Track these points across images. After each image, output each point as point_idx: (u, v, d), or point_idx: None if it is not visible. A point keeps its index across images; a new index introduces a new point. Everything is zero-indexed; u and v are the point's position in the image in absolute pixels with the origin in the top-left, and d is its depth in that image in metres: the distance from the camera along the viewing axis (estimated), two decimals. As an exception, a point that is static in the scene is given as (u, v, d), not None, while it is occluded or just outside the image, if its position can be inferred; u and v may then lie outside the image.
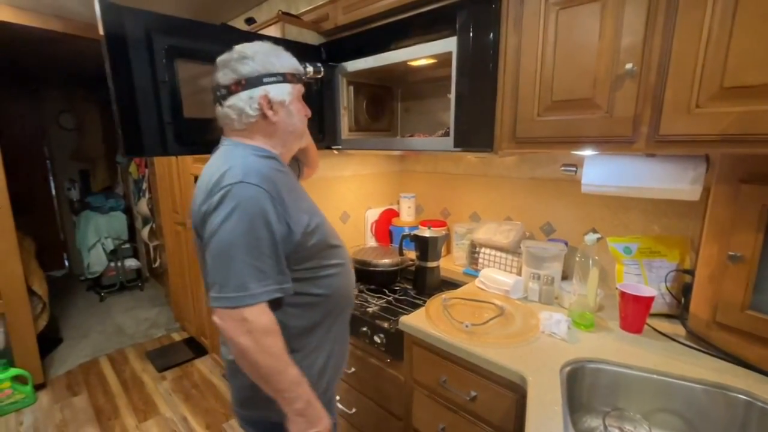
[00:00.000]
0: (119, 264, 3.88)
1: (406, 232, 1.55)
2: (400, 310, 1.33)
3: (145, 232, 3.61)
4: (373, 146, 1.56)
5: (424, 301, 1.31)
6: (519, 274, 1.38)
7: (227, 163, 0.80)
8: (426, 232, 1.43)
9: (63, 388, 2.42)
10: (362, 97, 1.62)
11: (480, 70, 1.09)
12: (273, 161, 0.86)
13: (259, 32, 1.46)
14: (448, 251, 1.76)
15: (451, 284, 1.51)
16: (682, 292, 1.12)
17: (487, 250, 1.50)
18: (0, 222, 2.15)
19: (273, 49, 0.88)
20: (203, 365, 2.63)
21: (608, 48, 0.88)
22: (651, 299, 1.05)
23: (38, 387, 2.36)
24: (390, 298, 1.44)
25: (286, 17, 1.40)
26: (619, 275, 1.19)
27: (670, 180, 1.00)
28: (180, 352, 2.78)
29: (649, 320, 1.08)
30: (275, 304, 0.79)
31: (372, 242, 1.90)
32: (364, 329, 1.31)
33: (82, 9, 2.10)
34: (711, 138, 0.79)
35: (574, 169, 1.21)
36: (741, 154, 0.88)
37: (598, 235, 1.09)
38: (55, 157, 4.31)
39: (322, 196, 1.64)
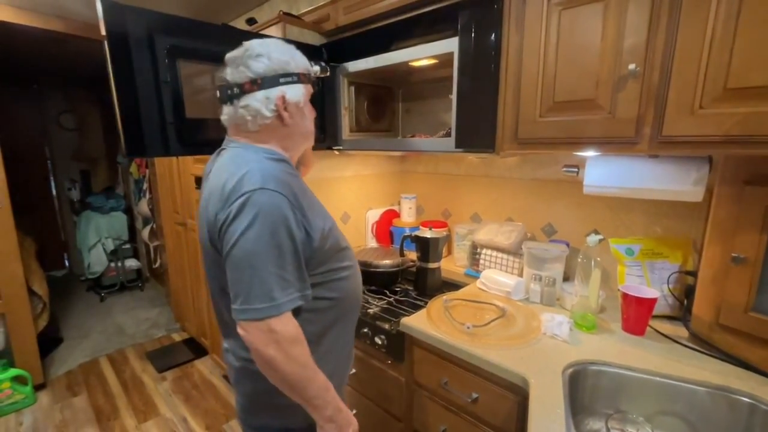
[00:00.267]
0: (120, 264, 3.88)
1: (407, 232, 1.55)
2: (401, 311, 1.32)
3: (145, 233, 3.61)
4: (374, 147, 1.56)
5: (425, 302, 1.31)
6: (520, 275, 1.38)
7: (242, 167, 0.76)
8: (427, 233, 1.43)
9: (63, 388, 2.42)
10: (363, 97, 1.62)
11: (482, 71, 1.08)
12: (286, 164, 0.83)
13: (260, 32, 1.45)
14: (449, 252, 1.76)
15: (452, 285, 1.50)
16: (685, 294, 1.12)
17: (489, 251, 1.49)
18: (0, 222, 2.15)
19: (286, 47, 0.85)
20: (203, 366, 2.62)
21: (611, 48, 0.88)
22: (653, 301, 1.05)
23: (38, 387, 2.36)
24: (391, 299, 1.44)
25: (287, 18, 1.40)
26: (621, 277, 1.19)
27: (673, 181, 0.99)
28: (180, 353, 2.78)
29: (651, 322, 1.07)
30: (294, 312, 0.77)
31: (373, 243, 1.90)
32: (365, 330, 1.31)
33: (84, 9, 2.11)
34: (714, 139, 0.79)
35: (576, 170, 1.20)
36: (745, 155, 0.88)
37: (600, 237, 1.09)
38: (56, 157, 4.31)
39: (322, 197, 1.61)
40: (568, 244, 1.32)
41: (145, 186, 3.53)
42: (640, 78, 0.85)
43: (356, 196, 1.82)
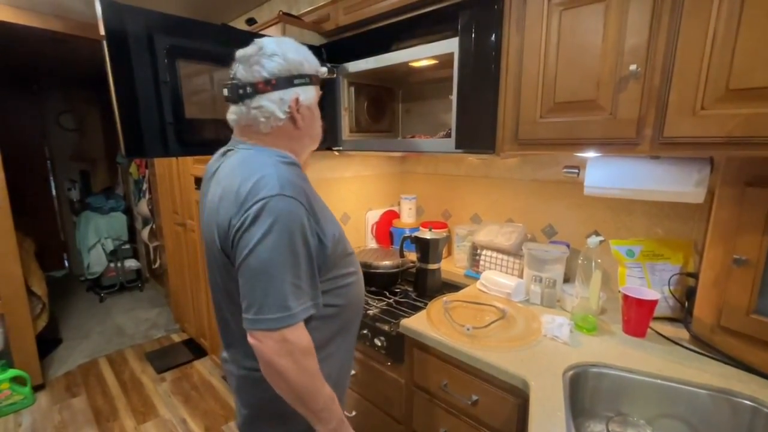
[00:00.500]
0: (119, 264, 3.88)
1: (407, 233, 1.54)
2: (401, 313, 1.32)
3: (145, 233, 3.61)
4: (373, 147, 1.55)
5: (425, 304, 1.31)
6: (521, 276, 1.37)
7: (256, 171, 0.73)
8: (427, 234, 1.42)
9: (62, 389, 2.42)
10: (363, 98, 1.62)
11: (482, 71, 1.08)
12: (297, 168, 0.81)
13: (260, 33, 1.45)
14: (449, 253, 1.75)
15: (452, 286, 1.50)
16: (686, 296, 1.11)
17: (489, 253, 1.49)
18: (0, 222, 2.14)
19: (300, 47, 0.83)
20: (203, 367, 2.62)
21: (612, 49, 0.88)
22: (654, 303, 1.04)
23: (37, 388, 2.35)
24: (390, 301, 1.43)
25: (286, 18, 1.40)
26: (621, 278, 1.18)
27: (674, 182, 0.99)
28: (179, 354, 2.77)
29: (652, 324, 1.07)
30: (304, 321, 0.74)
31: (372, 244, 1.90)
32: (365, 332, 1.30)
33: (83, 8, 2.10)
34: (716, 140, 0.78)
35: (577, 171, 1.20)
36: (747, 156, 0.87)
37: (600, 238, 1.08)
38: (56, 158, 4.31)
39: (322, 198, 1.63)
40: (568, 246, 1.32)
41: (145, 186, 3.53)
42: (642, 79, 0.85)
43: (356, 197, 1.81)
